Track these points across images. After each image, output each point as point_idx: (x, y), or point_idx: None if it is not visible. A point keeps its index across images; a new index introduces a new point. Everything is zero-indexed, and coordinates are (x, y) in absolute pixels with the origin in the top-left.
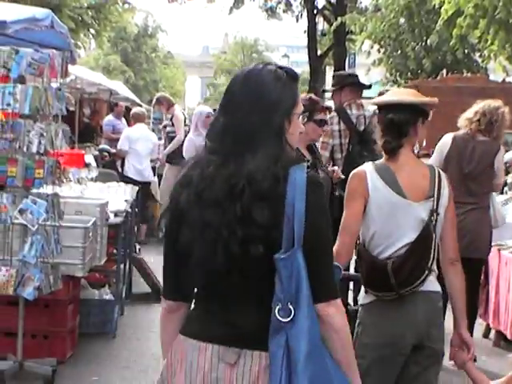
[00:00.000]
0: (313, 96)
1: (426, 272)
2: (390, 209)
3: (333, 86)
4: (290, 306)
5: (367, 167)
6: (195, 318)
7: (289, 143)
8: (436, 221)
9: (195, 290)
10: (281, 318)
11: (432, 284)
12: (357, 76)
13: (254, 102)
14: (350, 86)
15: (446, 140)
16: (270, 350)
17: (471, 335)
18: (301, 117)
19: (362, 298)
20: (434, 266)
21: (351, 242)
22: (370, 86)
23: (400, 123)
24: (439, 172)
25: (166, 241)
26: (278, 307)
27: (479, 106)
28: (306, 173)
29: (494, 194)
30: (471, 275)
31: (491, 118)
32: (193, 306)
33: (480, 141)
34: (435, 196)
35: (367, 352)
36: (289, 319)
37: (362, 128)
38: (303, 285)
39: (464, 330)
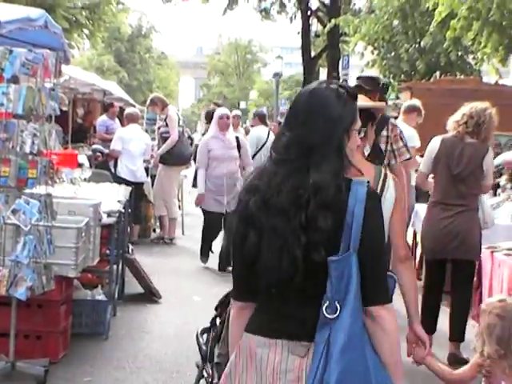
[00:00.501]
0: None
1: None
2: None
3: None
4: (337, 305)
5: None
6: (262, 317)
7: (347, 157)
8: None
9: (261, 290)
10: (327, 315)
11: None
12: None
13: (317, 118)
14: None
15: (435, 143)
16: (314, 342)
17: (463, 337)
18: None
19: None
20: None
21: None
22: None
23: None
24: (386, 175)
25: (234, 244)
26: (326, 304)
27: (466, 108)
28: (366, 186)
29: (483, 195)
30: (462, 277)
31: (478, 120)
32: (258, 305)
33: (468, 143)
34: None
35: None
36: (334, 316)
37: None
38: (352, 287)
39: (418, 325)
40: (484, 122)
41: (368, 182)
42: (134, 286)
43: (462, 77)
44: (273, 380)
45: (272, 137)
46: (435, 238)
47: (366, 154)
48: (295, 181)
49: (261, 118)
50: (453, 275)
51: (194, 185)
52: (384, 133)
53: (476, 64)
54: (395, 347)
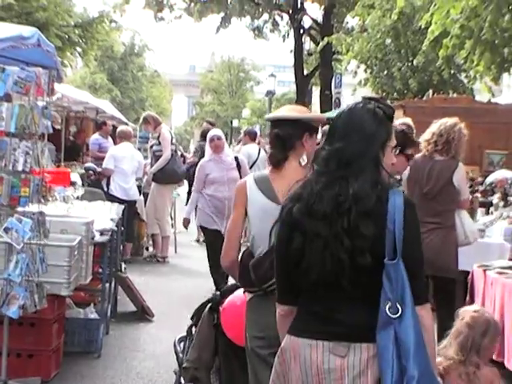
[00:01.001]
0: (406, 129)
1: None
2: (264, 214)
3: None
4: (398, 305)
5: (248, 178)
6: (303, 319)
7: (385, 170)
8: None
9: (302, 292)
10: (390, 315)
11: None
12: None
13: (354, 134)
14: None
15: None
16: (378, 342)
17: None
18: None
19: (246, 296)
20: None
21: (233, 243)
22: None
23: (284, 137)
24: None
25: (278, 250)
26: (388, 305)
27: (435, 126)
28: (402, 196)
29: (462, 211)
30: (441, 294)
31: (448, 137)
32: (300, 307)
33: (437, 160)
34: None
35: (247, 343)
36: (397, 315)
37: None
38: (407, 288)
39: None
40: (454, 138)
41: (403, 191)
42: (126, 305)
43: (455, 95)
44: (319, 379)
45: (263, 154)
46: None
47: (303, 163)
48: (335, 189)
49: (251, 136)
50: (433, 293)
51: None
52: None
53: (469, 82)
54: (432, 340)
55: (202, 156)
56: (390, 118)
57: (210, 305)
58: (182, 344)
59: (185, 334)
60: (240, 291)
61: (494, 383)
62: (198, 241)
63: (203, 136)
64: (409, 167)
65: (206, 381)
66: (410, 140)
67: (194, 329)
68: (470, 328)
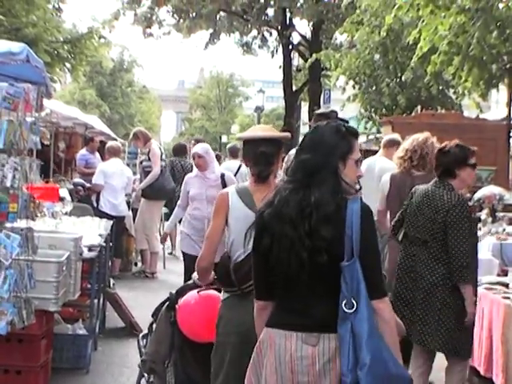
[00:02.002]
0: (460, 143)
1: None
2: (244, 222)
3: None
4: (353, 301)
5: (230, 189)
6: (279, 313)
7: (344, 180)
8: None
9: (277, 289)
10: (347, 310)
11: None
12: (335, 112)
13: (317, 148)
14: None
15: (385, 180)
16: (338, 334)
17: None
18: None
19: (222, 295)
20: None
21: (213, 248)
22: (346, 122)
23: (269, 154)
24: None
25: (254, 251)
26: (344, 301)
27: (407, 142)
28: (359, 203)
29: None
30: None
31: (422, 152)
32: (275, 303)
33: (416, 176)
34: None
35: (220, 338)
36: (352, 310)
37: None
38: (361, 285)
39: None
40: (427, 153)
41: (360, 198)
42: (114, 320)
43: (443, 111)
44: (291, 365)
45: (244, 169)
46: (403, 275)
47: (280, 178)
48: (299, 196)
49: (232, 153)
50: None
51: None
52: None
53: (457, 98)
54: (394, 331)
55: (173, 173)
56: (353, 135)
57: (167, 303)
58: (144, 340)
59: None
60: (194, 291)
61: None
62: (170, 253)
63: (174, 152)
64: (388, 184)
65: (162, 373)
66: (469, 151)
67: (154, 325)
68: None
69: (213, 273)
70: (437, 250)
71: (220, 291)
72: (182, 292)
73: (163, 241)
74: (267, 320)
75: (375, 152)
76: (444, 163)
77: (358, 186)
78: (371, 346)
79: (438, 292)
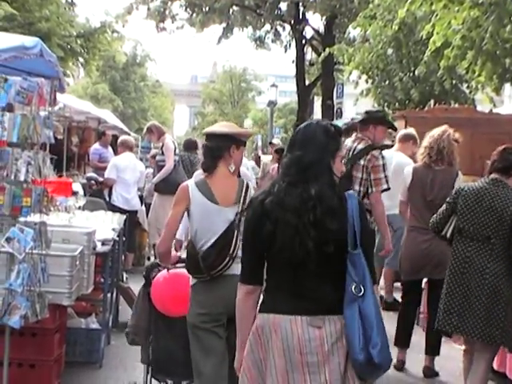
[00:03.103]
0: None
1: (228, 258)
2: (205, 212)
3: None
4: (361, 286)
5: (190, 182)
6: (280, 296)
7: (335, 175)
8: (240, 220)
9: (275, 274)
10: (356, 293)
11: (239, 268)
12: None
13: (310, 145)
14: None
15: (408, 172)
16: (345, 315)
17: (437, 351)
18: None
19: (191, 280)
20: (240, 253)
21: (171, 235)
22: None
23: (213, 149)
24: (247, 184)
25: (247, 235)
26: (353, 286)
27: (425, 140)
28: (356, 198)
29: None
30: (435, 294)
31: (439, 147)
32: (275, 287)
33: (437, 170)
34: (241, 202)
35: (192, 319)
36: (361, 294)
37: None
38: (367, 272)
39: None
40: (444, 147)
41: (355, 194)
42: (128, 315)
43: (457, 105)
44: (300, 347)
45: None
46: (413, 261)
47: (232, 170)
48: (299, 189)
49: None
50: (429, 294)
51: None
52: (361, 162)
53: (470, 93)
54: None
55: (184, 168)
56: (340, 134)
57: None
58: None
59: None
60: (165, 270)
61: None
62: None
63: (184, 147)
64: (410, 176)
65: (144, 344)
66: None
67: None
68: None
69: (176, 254)
70: (500, 246)
71: None
72: (151, 270)
73: (177, 249)
74: (268, 306)
75: (388, 146)
76: (508, 162)
77: (385, 186)
78: (381, 329)
79: (501, 287)
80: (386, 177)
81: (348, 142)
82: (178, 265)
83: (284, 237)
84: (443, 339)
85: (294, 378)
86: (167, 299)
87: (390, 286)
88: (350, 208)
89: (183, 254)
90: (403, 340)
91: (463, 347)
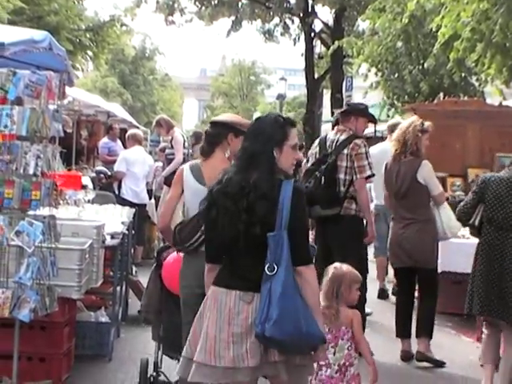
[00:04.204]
0: None
1: (200, 234)
2: (194, 193)
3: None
4: (275, 265)
5: (185, 166)
6: (223, 274)
7: (278, 165)
8: None
9: (223, 254)
10: (268, 272)
11: None
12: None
13: (256, 136)
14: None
15: (383, 167)
16: (260, 292)
17: (430, 335)
18: None
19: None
20: None
21: (168, 212)
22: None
23: (211, 135)
24: None
25: (204, 221)
26: (267, 265)
27: (395, 133)
28: (292, 184)
29: (442, 206)
30: (423, 283)
31: (404, 140)
32: (222, 266)
33: (403, 161)
34: None
35: (179, 291)
36: (273, 273)
37: (328, 151)
38: (284, 253)
39: None
40: (408, 138)
41: (295, 181)
42: (137, 308)
43: (466, 98)
44: (229, 318)
45: None
46: (393, 250)
47: (227, 155)
48: (240, 176)
49: None
50: (418, 283)
51: None
52: (345, 151)
53: (479, 85)
54: (316, 293)
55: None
56: (290, 124)
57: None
58: None
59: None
60: (174, 252)
61: (354, 320)
62: None
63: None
64: (383, 171)
65: (155, 322)
66: None
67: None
68: (330, 281)
69: None
70: None
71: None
72: (161, 251)
73: None
74: (214, 280)
75: (370, 137)
76: None
77: (369, 172)
78: (281, 304)
79: None
80: (369, 164)
81: (331, 134)
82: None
83: (223, 221)
84: (453, 332)
85: (220, 345)
86: (176, 279)
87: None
88: (282, 194)
89: None
90: (402, 330)
91: (485, 332)
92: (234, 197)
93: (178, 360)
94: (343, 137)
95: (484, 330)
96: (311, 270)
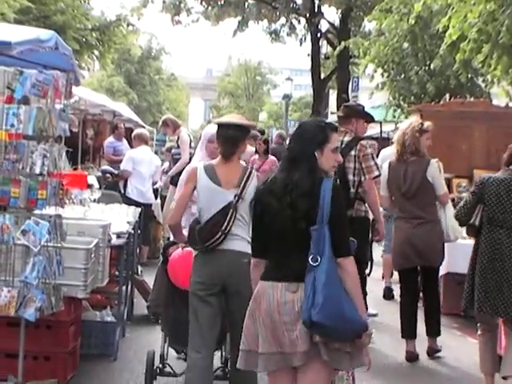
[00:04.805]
0: None
1: (220, 234)
2: (209, 193)
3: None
4: (318, 257)
5: (199, 165)
6: (269, 268)
7: (319, 165)
8: (237, 202)
9: (269, 249)
10: (312, 263)
11: (235, 245)
12: (362, 106)
13: (300, 139)
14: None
15: (385, 167)
16: (305, 282)
17: (438, 331)
18: None
19: (193, 253)
20: (237, 231)
21: (180, 210)
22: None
23: (234, 138)
24: (250, 172)
25: (253, 218)
26: (311, 257)
27: (396, 134)
28: (332, 182)
29: (447, 207)
30: (429, 282)
31: (403, 141)
32: (268, 260)
33: (410, 161)
34: (241, 186)
35: (190, 287)
36: (316, 264)
37: None
38: (326, 245)
39: None
40: (406, 139)
41: (334, 179)
42: (142, 307)
43: (472, 99)
44: (278, 308)
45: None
46: (400, 250)
47: (242, 158)
48: (284, 176)
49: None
50: (423, 281)
51: None
52: (352, 152)
53: (486, 86)
54: (356, 284)
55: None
56: (332, 129)
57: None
58: None
59: None
60: (179, 249)
61: None
62: None
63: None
64: (386, 171)
65: (164, 315)
66: None
67: None
68: None
69: (186, 233)
70: None
71: None
72: (166, 247)
73: None
74: (262, 275)
75: (372, 138)
76: None
77: (377, 172)
78: (325, 292)
79: None
80: (375, 164)
81: None
82: None
83: (269, 218)
84: (459, 334)
85: (277, 334)
86: (181, 274)
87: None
88: (322, 191)
89: None
90: (407, 331)
91: (481, 339)
92: (278, 195)
93: (184, 353)
94: (347, 138)
95: (479, 334)
96: (351, 261)
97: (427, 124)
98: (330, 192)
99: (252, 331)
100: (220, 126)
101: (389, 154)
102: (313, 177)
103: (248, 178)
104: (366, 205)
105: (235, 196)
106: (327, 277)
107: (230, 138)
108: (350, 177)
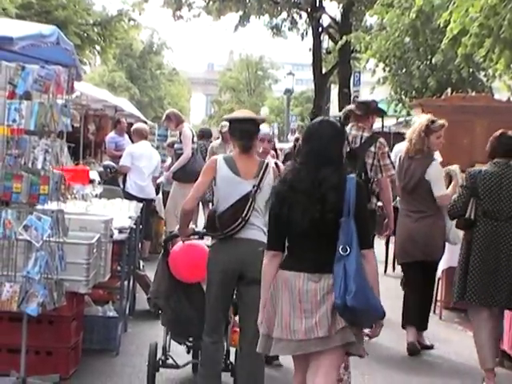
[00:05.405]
0: None
1: (240, 220)
2: (229, 182)
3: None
4: (347, 247)
5: (219, 157)
6: (292, 259)
7: (343, 162)
8: (255, 192)
9: (289, 242)
10: (342, 253)
11: (253, 234)
12: (376, 102)
13: (322, 137)
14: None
15: (397, 160)
16: (334, 271)
17: (425, 325)
18: None
19: (210, 242)
20: (255, 221)
21: (197, 196)
22: (385, 112)
23: (252, 132)
24: (267, 164)
25: (271, 213)
26: (341, 247)
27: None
28: (356, 178)
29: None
30: (427, 276)
31: (411, 140)
32: (288, 252)
33: (415, 158)
34: (259, 177)
35: (209, 275)
36: (346, 253)
37: (354, 146)
38: (354, 236)
39: None
40: (412, 138)
41: (356, 176)
42: (144, 302)
43: (474, 94)
44: (300, 296)
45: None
46: (403, 243)
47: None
48: (311, 174)
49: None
50: (422, 274)
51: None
52: (372, 149)
53: (487, 81)
54: (376, 274)
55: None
56: (344, 127)
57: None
58: None
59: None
60: (180, 242)
61: None
62: None
63: (201, 136)
64: (396, 164)
65: (164, 307)
66: None
67: None
68: None
69: (191, 226)
70: None
71: (202, 239)
72: (168, 239)
73: None
74: (282, 264)
75: (404, 134)
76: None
77: (393, 171)
78: (357, 280)
79: None
80: (391, 163)
81: (352, 130)
82: (192, 237)
83: (295, 213)
84: (460, 328)
85: (294, 321)
86: (182, 267)
87: None
88: (348, 186)
89: (196, 228)
90: (408, 317)
91: (480, 335)
92: (305, 191)
93: (186, 345)
94: (366, 134)
95: (476, 324)
96: (372, 253)
97: (439, 123)
98: (355, 187)
99: (272, 316)
100: (235, 121)
101: (401, 149)
102: (339, 173)
103: (265, 170)
104: (374, 199)
105: (254, 186)
106: (357, 265)
107: (247, 132)
108: (368, 172)
